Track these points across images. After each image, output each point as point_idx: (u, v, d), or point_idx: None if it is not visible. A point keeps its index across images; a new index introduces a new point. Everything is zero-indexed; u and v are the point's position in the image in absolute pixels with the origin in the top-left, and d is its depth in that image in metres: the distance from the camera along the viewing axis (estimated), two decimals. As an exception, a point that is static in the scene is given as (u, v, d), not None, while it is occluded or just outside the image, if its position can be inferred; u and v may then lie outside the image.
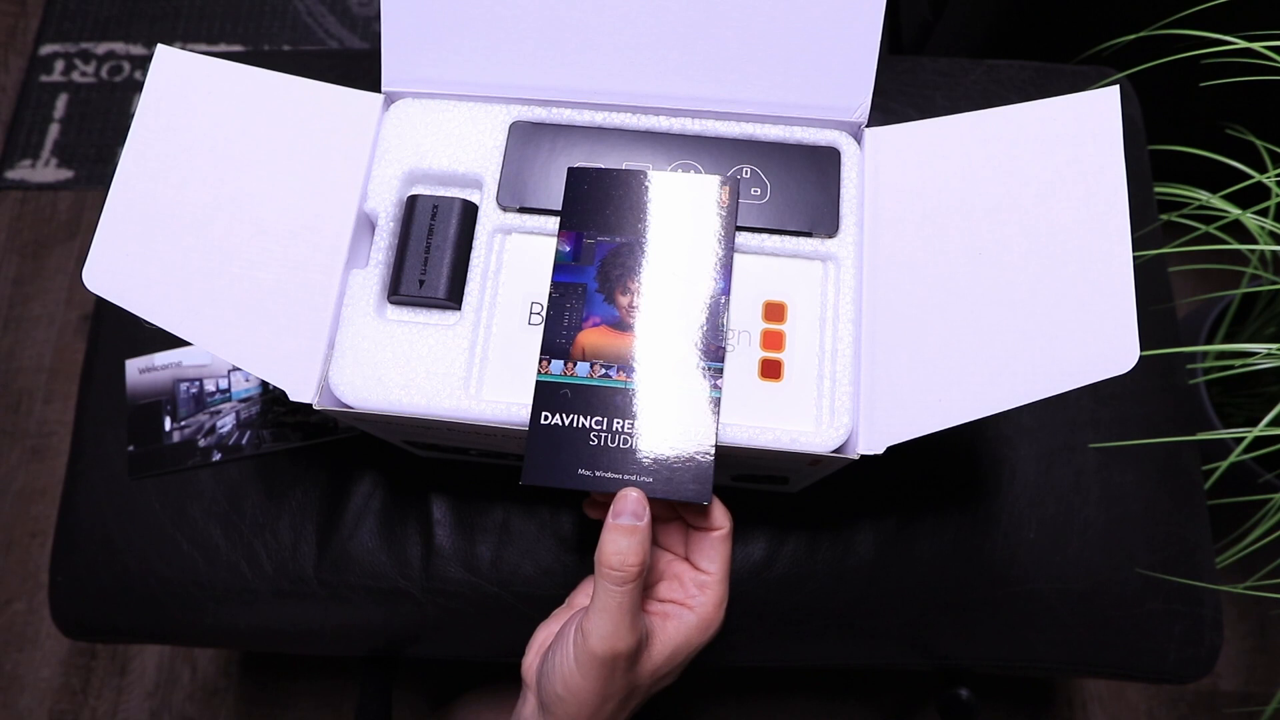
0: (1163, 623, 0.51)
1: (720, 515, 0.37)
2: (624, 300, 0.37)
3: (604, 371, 0.36)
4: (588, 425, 0.36)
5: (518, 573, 0.50)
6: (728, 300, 0.37)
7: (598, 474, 0.36)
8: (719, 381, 0.36)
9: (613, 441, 0.36)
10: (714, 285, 0.37)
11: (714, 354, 0.37)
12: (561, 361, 0.36)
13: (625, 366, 0.36)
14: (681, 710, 0.89)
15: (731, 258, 0.38)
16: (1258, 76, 0.55)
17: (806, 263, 0.39)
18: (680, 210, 0.38)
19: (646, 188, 0.39)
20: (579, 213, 0.39)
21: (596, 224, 0.39)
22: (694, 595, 0.37)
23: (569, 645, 0.35)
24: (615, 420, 0.36)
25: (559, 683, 0.34)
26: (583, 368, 0.36)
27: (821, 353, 0.38)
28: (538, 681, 0.37)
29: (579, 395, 0.36)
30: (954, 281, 0.36)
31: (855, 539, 0.51)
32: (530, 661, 0.38)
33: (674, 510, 0.39)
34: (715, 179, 0.39)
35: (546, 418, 0.36)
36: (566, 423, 0.36)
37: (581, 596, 0.40)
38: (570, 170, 0.39)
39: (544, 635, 0.39)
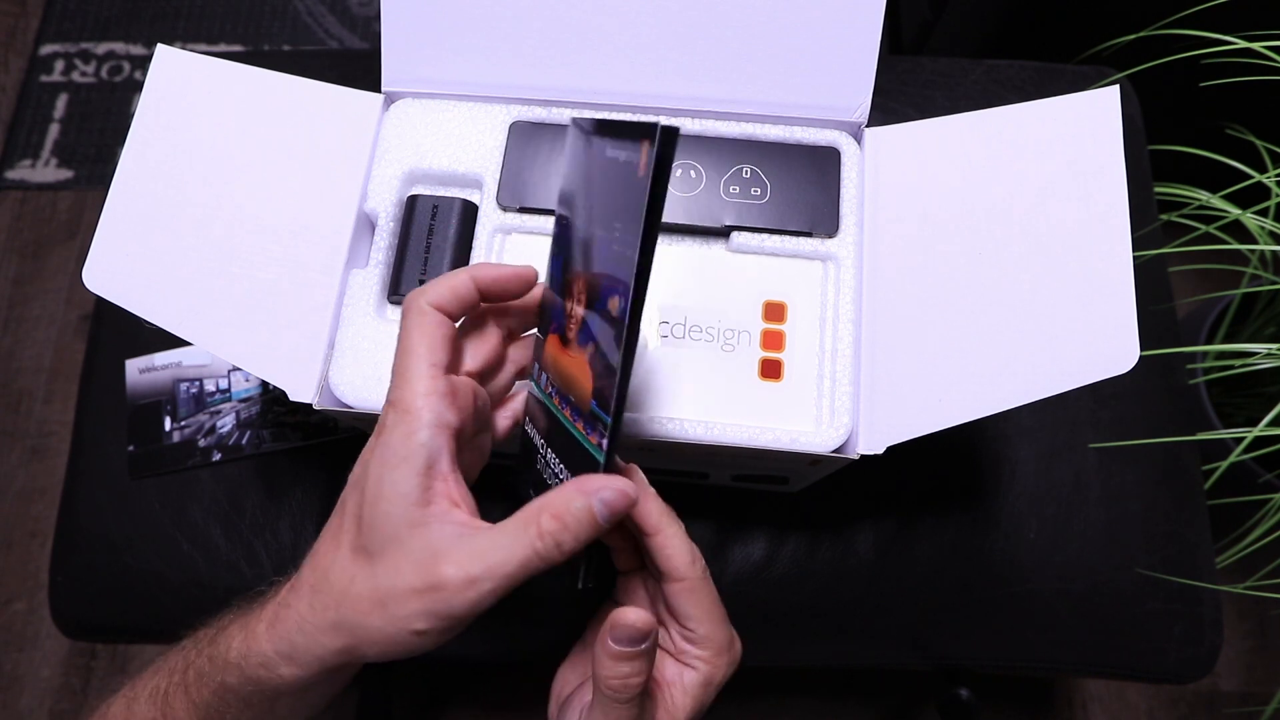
0: (1163, 623, 0.51)
1: (681, 564, 0.31)
2: (569, 305, 0.30)
3: (551, 391, 0.32)
4: (538, 445, 0.33)
5: (518, 573, 0.50)
6: (624, 325, 0.26)
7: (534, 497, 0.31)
8: (603, 439, 0.27)
9: (546, 474, 0.32)
10: (602, 288, 0.27)
11: (599, 396, 0.27)
12: (536, 364, 0.34)
13: (564, 395, 0.30)
14: (681, 710, 0.88)
15: (640, 255, 0.25)
16: (1258, 76, 0.55)
17: (806, 263, 0.39)
18: (600, 180, 0.28)
19: (567, 147, 0.30)
20: (542, 185, 0.32)
21: (557, 199, 0.32)
22: (685, 651, 0.32)
23: None
24: (550, 453, 0.31)
25: None
26: (543, 379, 0.32)
27: (821, 353, 0.38)
28: None
29: (538, 409, 0.33)
30: (954, 281, 0.36)
31: (855, 539, 0.51)
32: (551, 712, 0.35)
33: (638, 558, 0.34)
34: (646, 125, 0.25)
35: (528, 421, 0.34)
36: (530, 434, 0.34)
37: (570, 679, 0.35)
38: (513, 126, 0.32)
39: (560, 684, 0.35)
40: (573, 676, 0.35)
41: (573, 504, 0.26)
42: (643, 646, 0.28)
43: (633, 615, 0.28)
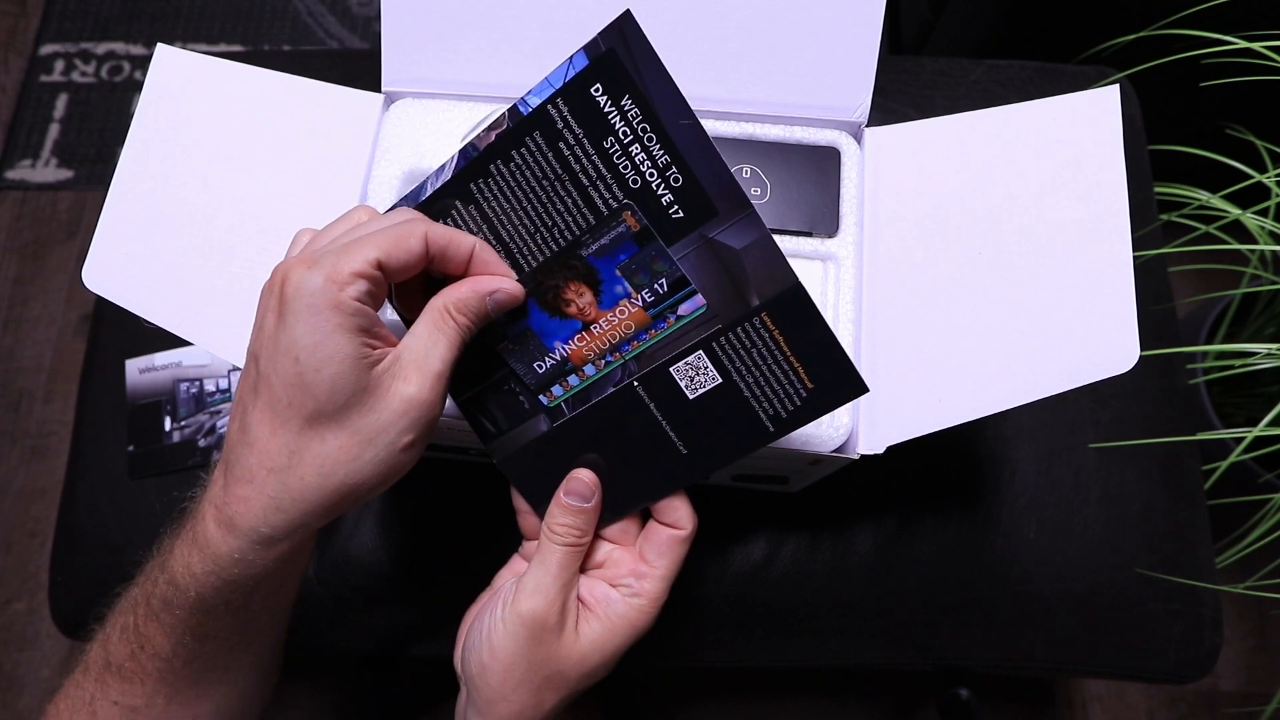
0: (1163, 623, 0.51)
1: (684, 515, 0.35)
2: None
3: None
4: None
5: (518, 573, 0.50)
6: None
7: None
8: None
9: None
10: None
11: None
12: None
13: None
14: (682, 710, 0.89)
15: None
16: (1258, 76, 0.55)
17: (806, 263, 0.39)
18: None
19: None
20: None
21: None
22: (629, 584, 0.34)
23: (498, 606, 0.33)
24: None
25: (485, 649, 0.33)
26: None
27: (821, 353, 0.38)
28: (463, 664, 0.35)
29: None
30: (954, 281, 0.36)
31: (855, 539, 0.51)
32: (458, 650, 0.36)
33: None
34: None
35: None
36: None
37: (506, 575, 0.38)
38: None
39: (469, 620, 0.37)
40: (478, 607, 0.37)
41: (470, 301, 0.31)
42: (588, 504, 0.34)
43: (586, 476, 0.34)
